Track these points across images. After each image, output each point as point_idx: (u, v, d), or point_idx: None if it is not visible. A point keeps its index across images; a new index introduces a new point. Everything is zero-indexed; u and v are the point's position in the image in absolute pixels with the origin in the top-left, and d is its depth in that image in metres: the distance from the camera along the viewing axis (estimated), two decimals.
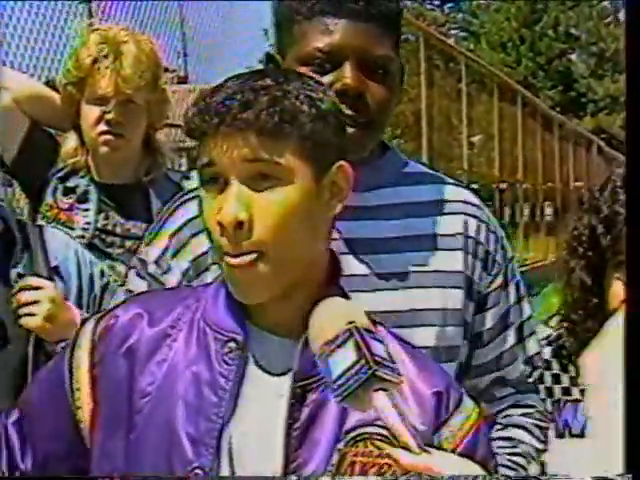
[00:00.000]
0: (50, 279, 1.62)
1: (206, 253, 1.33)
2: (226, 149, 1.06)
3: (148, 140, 2.17)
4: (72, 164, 2.14)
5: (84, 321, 1.22)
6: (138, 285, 1.36)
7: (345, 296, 1.13)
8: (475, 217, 1.41)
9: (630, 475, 1.04)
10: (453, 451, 1.09)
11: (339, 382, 0.97)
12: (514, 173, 12.13)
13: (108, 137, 2.07)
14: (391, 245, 1.35)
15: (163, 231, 1.38)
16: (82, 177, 2.15)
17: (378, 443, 1.08)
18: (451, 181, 1.46)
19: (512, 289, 1.44)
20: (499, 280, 1.42)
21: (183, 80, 8.27)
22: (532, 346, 1.47)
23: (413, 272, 1.35)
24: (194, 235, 1.34)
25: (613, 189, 1.72)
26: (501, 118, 11.62)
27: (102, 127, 2.06)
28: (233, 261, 1.06)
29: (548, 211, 13.83)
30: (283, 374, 1.10)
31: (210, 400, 1.09)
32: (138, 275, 1.37)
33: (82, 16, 5.27)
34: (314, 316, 1.04)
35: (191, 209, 1.36)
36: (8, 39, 4.86)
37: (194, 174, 2.18)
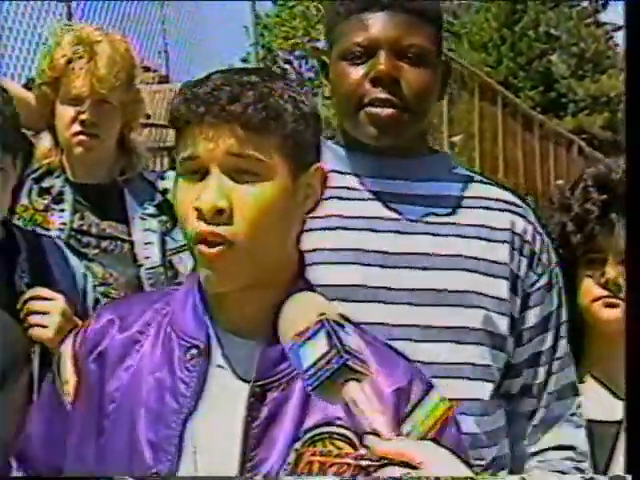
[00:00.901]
0: (59, 291, 1.59)
1: None
2: (210, 139, 1.07)
3: (123, 140, 2.16)
4: (47, 164, 2.14)
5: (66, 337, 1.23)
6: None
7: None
8: (522, 217, 1.46)
9: (630, 475, 1.04)
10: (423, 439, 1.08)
11: (310, 372, 0.97)
12: (495, 172, 12.16)
13: (82, 137, 2.06)
14: (435, 229, 1.40)
15: None
16: (57, 177, 2.14)
17: (337, 443, 1.08)
18: (499, 184, 1.52)
19: (555, 293, 1.47)
20: (544, 280, 1.45)
21: (164, 79, 8.24)
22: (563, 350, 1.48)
23: (457, 256, 1.40)
24: None
25: (585, 188, 1.73)
26: (482, 118, 11.65)
27: (76, 127, 2.06)
28: (206, 250, 1.07)
29: None
30: (246, 375, 1.10)
31: (171, 406, 1.10)
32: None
33: (62, 15, 5.25)
34: (285, 309, 1.04)
35: None
36: None
37: (170, 174, 2.19)
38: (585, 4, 26.50)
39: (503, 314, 1.40)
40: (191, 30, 7.57)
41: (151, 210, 2.12)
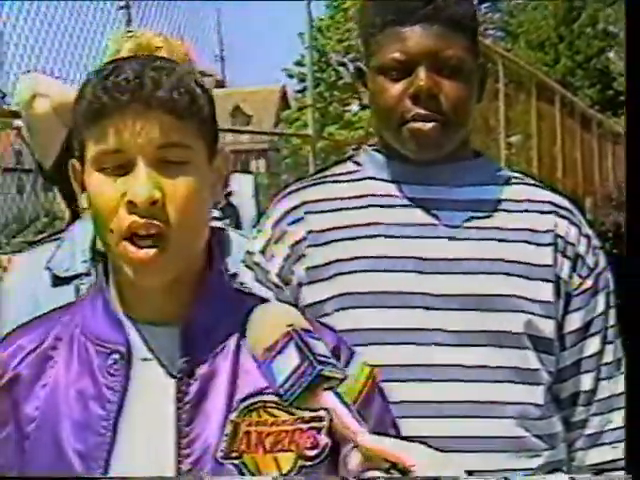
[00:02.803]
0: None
1: (304, 239, 1.44)
2: (135, 130, 1.04)
3: None
4: None
5: None
6: (246, 276, 1.46)
7: (223, 282, 1.15)
8: (566, 219, 1.45)
9: (630, 475, 1.03)
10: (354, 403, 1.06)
11: (285, 387, 0.96)
12: (553, 173, 12.01)
13: None
14: (478, 234, 1.41)
15: (267, 224, 1.48)
16: None
17: (272, 411, 1.07)
18: (544, 186, 1.51)
19: (602, 297, 1.45)
20: (588, 283, 1.44)
21: (221, 84, 8.32)
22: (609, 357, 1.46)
23: (498, 260, 1.40)
24: (291, 223, 1.46)
25: None
26: (539, 118, 11.51)
27: None
28: (136, 248, 1.05)
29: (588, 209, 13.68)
30: (172, 360, 1.09)
31: (97, 414, 1.08)
32: (247, 267, 1.47)
33: (121, 22, 5.33)
34: (251, 323, 1.03)
35: (290, 201, 1.48)
36: (48, 45, 4.94)
37: (231, 177, 2.22)
38: None
39: (548, 317, 1.40)
40: (246, 35, 7.64)
41: (215, 214, 2.14)
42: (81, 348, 1.12)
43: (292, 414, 1.07)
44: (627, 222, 1.45)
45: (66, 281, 1.62)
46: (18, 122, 2.15)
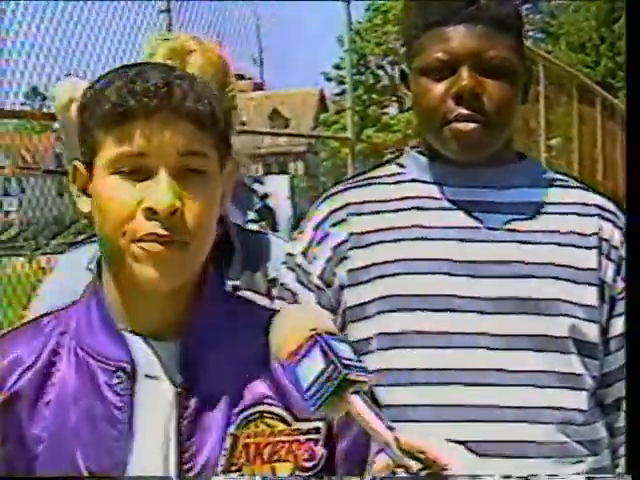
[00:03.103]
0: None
1: (346, 241, 1.43)
2: (160, 136, 1.03)
3: None
4: None
5: None
6: (288, 277, 1.46)
7: (220, 291, 1.14)
8: (611, 222, 1.44)
9: (630, 475, 1.02)
10: None
11: (311, 392, 0.95)
12: (594, 176, 11.89)
13: None
14: (519, 237, 1.39)
15: (309, 226, 1.48)
16: None
17: (268, 421, 1.07)
18: (589, 188, 1.49)
19: None
20: None
21: (259, 87, 8.36)
22: None
23: (541, 263, 1.38)
24: (334, 225, 1.45)
25: None
26: (580, 120, 11.41)
27: None
28: (156, 248, 1.04)
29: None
30: (173, 375, 1.09)
31: (110, 434, 1.07)
32: (288, 268, 1.46)
33: (162, 26, 5.38)
34: (275, 326, 1.02)
35: (333, 203, 1.47)
36: (89, 49, 4.99)
37: (267, 178, 2.22)
38: None
39: (592, 321, 1.38)
40: (285, 38, 7.66)
41: (252, 216, 2.09)
42: (81, 363, 1.10)
43: (289, 424, 1.07)
44: (627, 221, 1.42)
45: None
46: (57, 125, 2.15)
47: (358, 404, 0.94)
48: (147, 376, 1.09)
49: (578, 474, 1.34)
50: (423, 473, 0.89)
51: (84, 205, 1.11)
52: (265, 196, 2.14)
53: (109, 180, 1.06)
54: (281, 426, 1.07)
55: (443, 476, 0.90)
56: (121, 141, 1.04)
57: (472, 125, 1.36)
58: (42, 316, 1.16)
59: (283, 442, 1.07)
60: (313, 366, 0.95)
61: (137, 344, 1.09)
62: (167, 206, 1.03)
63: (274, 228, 2.06)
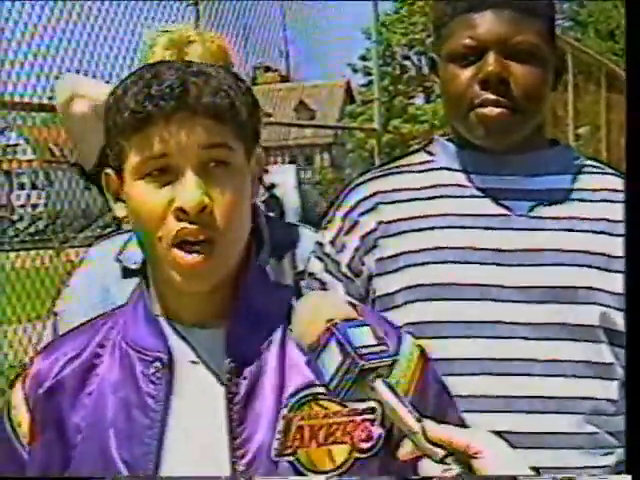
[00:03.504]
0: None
1: (375, 230, 1.43)
2: (181, 136, 1.04)
3: None
4: None
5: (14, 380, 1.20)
6: (316, 267, 1.46)
7: (262, 278, 1.13)
8: None
9: (630, 476, 1.00)
10: (406, 395, 1.04)
11: (333, 384, 0.95)
12: (622, 164, 11.77)
13: None
14: (553, 224, 1.38)
15: (337, 214, 1.47)
16: None
17: (323, 403, 1.06)
18: (619, 173, 1.48)
19: None
20: None
21: (285, 79, 8.37)
22: None
23: (571, 251, 1.37)
24: (362, 214, 1.45)
25: None
26: (609, 108, 11.30)
27: None
28: (186, 255, 1.05)
29: None
30: (219, 362, 1.09)
31: (141, 423, 1.08)
32: (317, 258, 1.47)
33: (190, 19, 5.40)
34: (294, 318, 1.01)
35: (362, 191, 1.47)
36: (117, 43, 5.00)
37: (275, 168, 2.20)
38: None
39: (623, 310, 1.36)
40: (311, 29, 7.65)
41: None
42: (123, 355, 1.12)
43: (344, 406, 1.06)
44: (627, 221, 1.39)
45: (135, 273, 1.63)
46: (60, 121, 2.16)
47: (382, 391, 0.93)
48: (192, 362, 1.10)
49: (608, 466, 1.33)
50: (448, 460, 0.87)
51: (120, 211, 1.12)
52: (272, 186, 2.12)
53: (137, 185, 1.07)
54: (336, 407, 1.06)
55: (469, 464, 0.87)
56: (144, 146, 1.05)
57: (498, 110, 1.35)
58: (99, 316, 1.19)
59: (338, 424, 1.06)
60: (332, 358, 0.94)
61: (179, 334, 1.10)
62: (196, 204, 1.04)
63: (281, 217, 2.04)
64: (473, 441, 0.87)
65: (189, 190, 1.04)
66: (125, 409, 1.09)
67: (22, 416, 1.14)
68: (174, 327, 1.12)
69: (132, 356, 1.11)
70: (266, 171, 2.18)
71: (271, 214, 2.05)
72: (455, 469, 0.87)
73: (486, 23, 1.36)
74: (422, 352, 1.14)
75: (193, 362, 1.10)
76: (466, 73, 1.37)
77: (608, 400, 1.36)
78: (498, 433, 0.91)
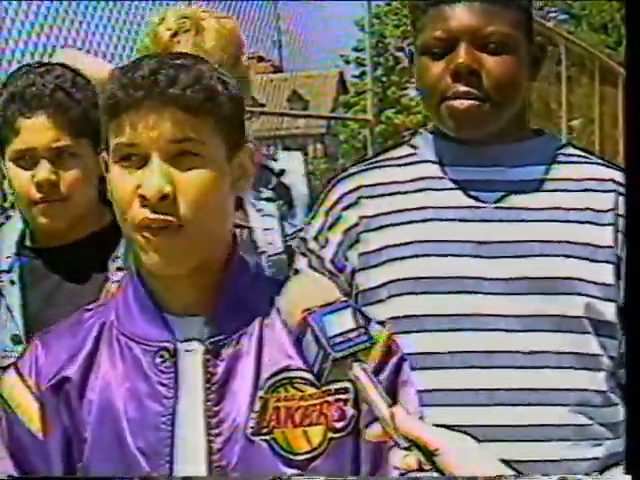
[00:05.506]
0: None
1: (357, 224, 1.42)
2: (150, 125, 1.06)
3: None
4: None
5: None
6: (301, 262, 1.46)
7: (244, 268, 1.15)
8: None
9: (630, 476, 1.01)
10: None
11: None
12: (615, 157, 11.79)
13: None
14: (536, 215, 1.37)
15: (320, 210, 1.47)
16: None
17: (299, 386, 1.09)
18: (606, 163, 1.46)
19: None
20: None
21: (278, 69, 8.36)
22: None
23: (554, 242, 1.36)
24: (345, 209, 1.44)
25: None
26: (602, 101, 11.31)
27: None
28: (151, 235, 1.07)
29: None
30: (202, 344, 1.11)
31: (154, 411, 1.10)
32: (301, 254, 1.47)
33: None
34: (283, 296, 1.02)
35: (344, 186, 1.46)
36: (109, 42, 5.01)
37: (282, 154, 2.18)
38: None
39: (610, 300, 1.36)
40: (304, 20, 7.64)
41: (268, 194, 2.03)
42: (124, 348, 1.14)
43: (318, 388, 1.09)
44: (627, 221, 1.40)
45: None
46: None
47: (357, 374, 0.94)
48: (187, 351, 1.12)
49: (597, 458, 1.33)
50: (413, 449, 0.89)
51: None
52: (281, 173, 2.09)
53: (114, 169, 1.11)
54: (311, 390, 1.09)
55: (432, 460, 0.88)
56: (117, 132, 1.09)
57: (469, 102, 1.34)
58: (83, 311, 1.21)
59: (314, 405, 1.09)
60: (308, 349, 0.96)
61: (174, 323, 1.13)
62: (155, 192, 1.06)
63: (290, 205, 2.03)
64: (434, 437, 0.89)
65: (152, 178, 1.06)
66: (135, 399, 1.11)
67: (32, 409, 1.14)
68: (168, 316, 1.14)
69: (135, 348, 1.13)
70: (275, 159, 2.17)
71: (280, 202, 2.04)
72: (413, 458, 0.88)
73: (457, 15, 1.35)
74: (388, 337, 1.14)
75: (187, 350, 1.13)
76: (438, 65, 1.37)
77: (595, 391, 1.36)
78: (481, 427, 0.90)
